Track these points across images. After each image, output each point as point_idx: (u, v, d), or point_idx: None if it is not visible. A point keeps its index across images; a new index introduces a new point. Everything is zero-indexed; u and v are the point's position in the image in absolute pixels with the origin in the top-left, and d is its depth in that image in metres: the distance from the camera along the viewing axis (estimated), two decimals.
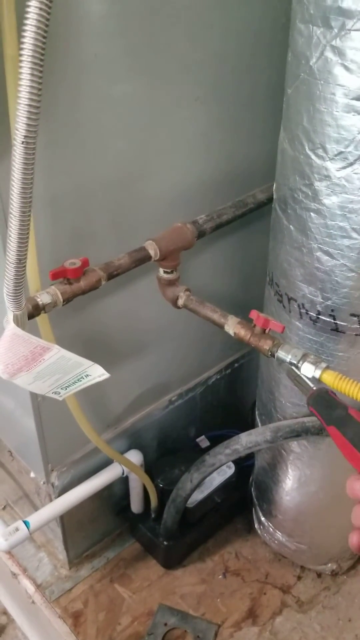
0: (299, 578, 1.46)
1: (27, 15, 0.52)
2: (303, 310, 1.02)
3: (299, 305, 1.03)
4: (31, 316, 0.81)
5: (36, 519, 1.21)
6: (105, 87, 0.91)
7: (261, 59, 1.11)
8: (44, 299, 0.82)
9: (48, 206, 0.92)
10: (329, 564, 1.42)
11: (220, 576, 1.46)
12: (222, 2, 1.00)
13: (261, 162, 1.19)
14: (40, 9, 0.52)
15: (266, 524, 1.45)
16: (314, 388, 0.80)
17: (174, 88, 1.00)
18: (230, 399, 1.61)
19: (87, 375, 0.82)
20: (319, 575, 1.46)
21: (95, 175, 0.97)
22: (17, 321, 0.72)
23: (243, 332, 0.94)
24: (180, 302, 1.02)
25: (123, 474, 1.33)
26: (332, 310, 0.99)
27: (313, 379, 0.89)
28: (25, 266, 0.67)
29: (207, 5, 0.98)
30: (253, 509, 1.51)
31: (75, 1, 0.81)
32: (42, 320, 0.89)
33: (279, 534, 1.42)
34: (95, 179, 0.97)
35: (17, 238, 0.62)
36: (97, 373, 0.82)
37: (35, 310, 0.81)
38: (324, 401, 0.55)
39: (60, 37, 0.81)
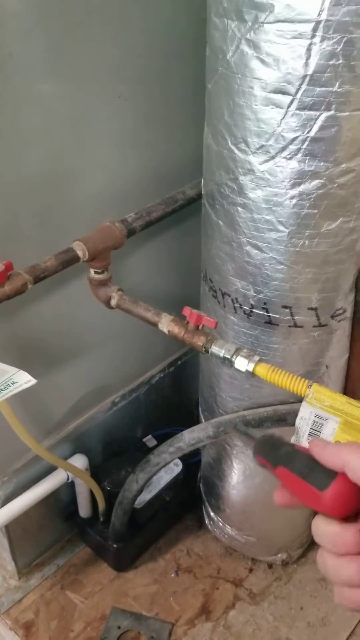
0: (251, 570, 1.47)
1: None
2: (237, 305, 1.03)
3: (232, 300, 1.03)
4: None
5: None
6: (23, 86, 0.89)
7: (184, 54, 1.10)
8: None
9: None
10: (279, 554, 1.44)
11: (173, 574, 1.45)
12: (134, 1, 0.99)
13: (189, 158, 1.19)
14: None
15: (216, 519, 1.46)
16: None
17: (95, 86, 0.99)
18: (175, 396, 1.60)
19: (14, 382, 0.80)
20: (270, 566, 1.47)
21: (18, 176, 0.95)
22: None
23: (177, 330, 0.93)
24: (113, 302, 1.01)
25: (68, 479, 1.31)
26: (265, 304, 0.99)
27: (247, 373, 0.89)
28: None
29: (125, 2, 0.96)
30: (202, 505, 1.51)
31: None
32: None
33: (228, 528, 1.43)
34: (17, 180, 0.95)
35: None
36: (24, 379, 0.80)
37: None
38: (268, 445, 0.51)
39: None
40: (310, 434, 0.88)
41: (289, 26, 0.75)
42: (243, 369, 0.89)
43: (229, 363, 0.91)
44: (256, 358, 0.89)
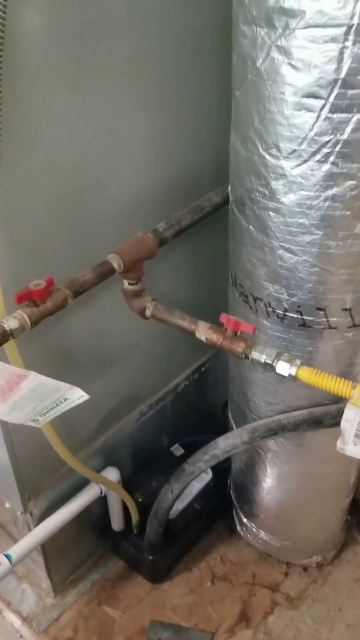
0: (286, 574, 1.47)
1: None
2: (270, 309, 1.03)
3: (265, 304, 1.03)
4: None
5: (18, 550, 1.17)
6: (50, 100, 0.89)
7: (203, 63, 1.11)
8: (11, 324, 0.79)
9: (4, 227, 0.89)
10: (314, 557, 1.44)
11: (209, 583, 1.45)
12: (158, 11, 0.99)
13: (211, 164, 1.20)
14: None
15: (249, 524, 1.45)
16: None
17: (118, 98, 0.99)
18: (200, 403, 1.60)
19: (66, 399, 0.80)
20: (305, 569, 1.47)
21: (48, 191, 0.95)
22: None
23: (215, 337, 0.94)
24: (148, 312, 1.01)
25: (101, 493, 1.30)
26: (299, 306, 0.99)
27: (290, 377, 0.89)
28: None
29: (144, 15, 0.97)
30: (234, 512, 1.51)
31: (15, 17, 0.79)
32: (10, 346, 0.86)
33: (262, 533, 1.42)
34: (48, 195, 0.95)
35: None
36: (77, 395, 0.80)
37: (3, 337, 0.78)
38: None
39: (5, 53, 0.78)
40: (356, 435, 0.88)
41: (321, 31, 0.75)
42: (286, 374, 0.89)
43: (270, 368, 0.91)
44: (298, 362, 0.89)
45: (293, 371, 0.89)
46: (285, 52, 0.79)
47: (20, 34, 0.81)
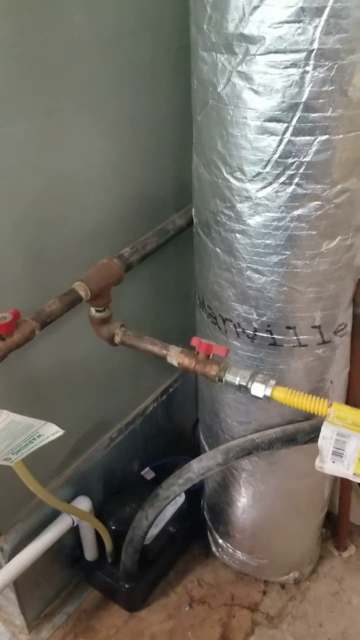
0: (265, 593, 1.46)
1: None
2: (240, 329, 1.03)
3: (235, 325, 1.03)
4: None
5: None
6: (4, 128, 0.87)
7: (160, 87, 1.11)
8: None
9: None
10: (292, 573, 1.43)
11: (187, 607, 1.43)
12: (114, 37, 0.99)
13: (173, 187, 1.20)
14: None
15: (224, 545, 1.44)
16: None
17: (77, 124, 0.98)
18: (169, 424, 1.59)
19: (40, 435, 0.77)
20: (283, 586, 1.47)
21: (7, 219, 0.92)
22: None
23: (187, 361, 0.93)
24: (117, 339, 0.99)
25: (73, 523, 1.27)
26: (269, 326, 1.00)
27: (265, 398, 0.89)
28: None
29: (100, 41, 0.96)
30: (208, 533, 1.50)
31: None
32: None
33: (239, 553, 1.41)
34: (7, 223, 0.93)
35: None
36: (51, 432, 0.77)
37: None
38: None
39: None
40: (334, 453, 0.89)
41: (281, 57, 0.76)
42: (261, 395, 0.89)
43: (245, 390, 0.90)
44: (272, 382, 0.89)
45: (268, 392, 0.89)
46: (246, 77, 0.80)
47: None
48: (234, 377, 0.90)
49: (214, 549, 1.49)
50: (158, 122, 1.13)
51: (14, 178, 0.91)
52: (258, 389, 0.89)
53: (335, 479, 1.35)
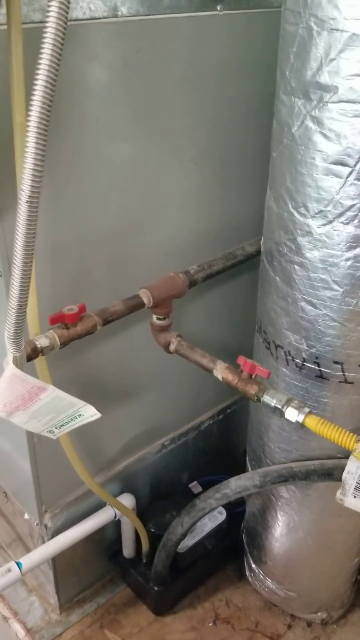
0: (289, 627, 1.46)
1: (34, 92, 0.59)
2: (289, 357, 1.07)
3: (285, 352, 1.08)
4: (30, 358, 0.86)
5: (29, 560, 1.22)
6: (105, 148, 0.99)
7: (250, 125, 1.19)
8: (42, 342, 0.87)
9: (49, 255, 0.98)
10: (319, 613, 1.42)
11: (211, 624, 1.46)
12: (215, 73, 1.09)
13: (250, 217, 1.27)
14: (46, 83, 0.59)
15: (257, 570, 1.46)
16: None
17: (169, 149, 1.09)
18: (222, 444, 1.63)
19: (80, 415, 0.86)
20: (309, 624, 1.46)
21: (94, 227, 1.04)
22: (16, 362, 0.77)
23: (230, 377, 0.99)
24: (172, 347, 1.07)
25: (115, 517, 1.35)
26: (317, 358, 1.04)
27: (297, 423, 0.93)
28: (25, 312, 0.72)
29: (202, 75, 1.07)
30: (244, 556, 1.52)
31: (80, 73, 0.89)
32: (39, 362, 0.93)
33: (269, 581, 1.43)
34: (94, 231, 1.04)
35: (19, 286, 0.68)
36: (90, 413, 0.86)
37: (33, 353, 0.86)
38: None
39: (65, 104, 0.89)
40: (356, 488, 0.91)
41: (351, 106, 0.82)
42: (293, 420, 0.93)
43: (280, 413, 0.95)
44: (306, 410, 0.93)
45: (300, 418, 0.93)
46: (318, 122, 0.86)
47: (83, 88, 0.91)
48: (271, 399, 0.95)
49: (247, 572, 1.51)
50: (244, 157, 1.22)
51: (106, 191, 1.02)
52: (292, 414, 0.93)
53: None
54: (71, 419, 0.87)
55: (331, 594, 1.41)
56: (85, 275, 1.06)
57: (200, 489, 1.57)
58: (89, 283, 1.07)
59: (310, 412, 0.93)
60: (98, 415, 0.86)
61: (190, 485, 1.58)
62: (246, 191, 1.26)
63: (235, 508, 1.50)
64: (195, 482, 1.59)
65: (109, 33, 0.91)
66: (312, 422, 0.91)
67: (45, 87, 0.59)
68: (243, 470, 1.47)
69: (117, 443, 1.36)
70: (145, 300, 1.01)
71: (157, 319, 1.06)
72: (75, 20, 0.86)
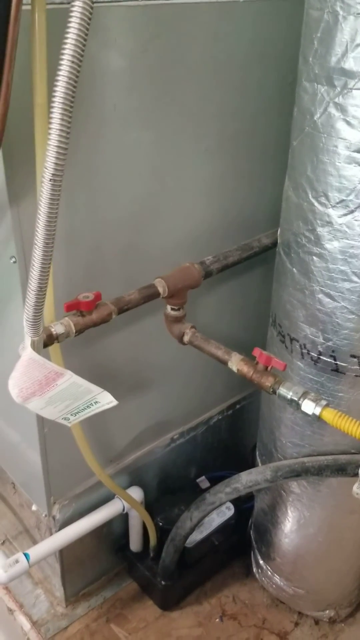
0: (297, 624, 1.44)
1: (60, 69, 0.58)
2: (305, 351, 1.06)
3: (300, 346, 1.06)
4: (45, 345, 0.84)
5: (36, 551, 1.21)
6: (121, 134, 0.98)
7: (268, 114, 1.18)
8: (57, 329, 0.86)
9: (66, 242, 0.97)
10: (327, 611, 1.41)
11: (217, 619, 1.44)
12: (235, 61, 1.07)
13: (266, 208, 1.26)
14: (72, 63, 0.58)
15: (264, 567, 1.45)
16: None
17: (185, 139, 1.07)
18: (231, 440, 1.62)
19: (97, 402, 0.85)
20: (317, 622, 1.44)
21: (111, 215, 1.03)
22: (34, 347, 0.76)
23: (246, 369, 0.97)
24: (186, 338, 1.06)
25: (123, 510, 1.34)
26: (333, 351, 1.02)
27: (313, 416, 0.92)
28: (44, 296, 0.71)
29: (220, 63, 1.05)
30: (252, 552, 1.51)
31: (98, 58, 0.88)
32: (54, 350, 0.92)
33: (277, 578, 1.42)
34: (110, 219, 1.03)
35: (40, 267, 0.66)
36: (106, 400, 0.85)
37: (49, 340, 0.85)
38: None
39: (83, 88, 0.87)
40: None
41: None
42: (310, 412, 0.92)
43: (296, 405, 0.94)
44: (323, 402, 0.92)
45: (317, 411, 0.91)
46: (341, 109, 0.85)
47: (102, 73, 0.89)
48: (287, 392, 0.94)
49: (254, 569, 1.50)
50: (262, 147, 1.21)
51: (122, 179, 1.01)
52: (308, 406, 0.92)
53: None
54: (87, 406, 0.85)
55: (340, 592, 1.40)
56: (100, 263, 1.05)
57: (208, 484, 1.55)
58: (104, 272, 1.06)
59: (327, 405, 0.91)
60: (115, 402, 0.85)
61: (198, 480, 1.56)
62: (262, 182, 1.24)
63: (244, 504, 1.49)
64: (203, 477, 1.57)
65: (129, 17, 0.90)
66: (329, 415, 0.90)
67: (72, 61, 0.58)
68: (251, 466, 1.46)
69: (126, 435, 1.34)
70: (160, 289, 0.99)
71: (172, 309, 1.05)
72: (97, 2, 0.85)
